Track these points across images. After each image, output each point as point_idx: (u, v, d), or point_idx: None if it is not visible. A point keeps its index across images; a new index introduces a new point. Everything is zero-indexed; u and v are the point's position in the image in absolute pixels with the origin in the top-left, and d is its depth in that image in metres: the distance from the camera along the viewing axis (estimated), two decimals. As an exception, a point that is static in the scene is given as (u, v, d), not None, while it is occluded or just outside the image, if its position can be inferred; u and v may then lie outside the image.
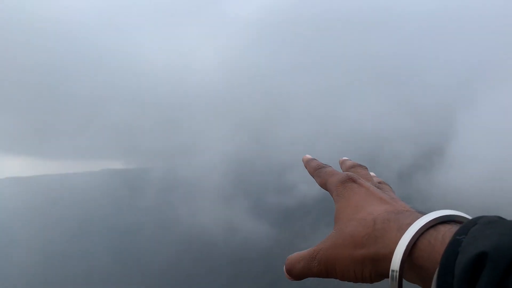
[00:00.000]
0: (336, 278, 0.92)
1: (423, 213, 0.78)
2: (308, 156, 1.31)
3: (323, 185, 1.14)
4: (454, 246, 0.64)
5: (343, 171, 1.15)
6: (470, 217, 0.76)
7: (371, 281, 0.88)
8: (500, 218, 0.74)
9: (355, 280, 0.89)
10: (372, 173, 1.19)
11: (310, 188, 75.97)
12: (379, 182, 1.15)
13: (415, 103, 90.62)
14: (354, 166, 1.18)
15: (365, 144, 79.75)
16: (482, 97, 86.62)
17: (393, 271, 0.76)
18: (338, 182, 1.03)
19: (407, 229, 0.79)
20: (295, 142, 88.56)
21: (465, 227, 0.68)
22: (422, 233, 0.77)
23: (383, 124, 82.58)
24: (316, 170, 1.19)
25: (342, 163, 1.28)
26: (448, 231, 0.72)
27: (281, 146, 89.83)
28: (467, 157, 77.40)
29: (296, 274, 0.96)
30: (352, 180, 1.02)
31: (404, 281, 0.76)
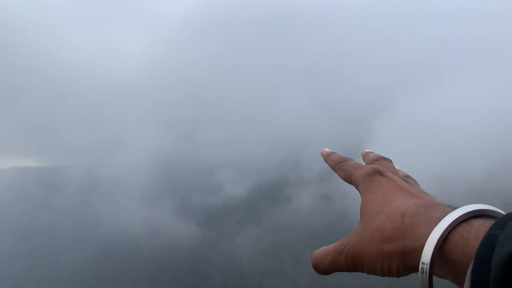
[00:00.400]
0: (363, 272, 0.91)
1: (454, 207, 0.78)
2: (327, 149, 1.28)
3: (347, 179, 1.12)
4: (490, 240, 0.62)
5: (367, 164, 1.14)
6: (503, 212, 0.76)
7: (398, 275, 0.87)
8: None
9: (382, 274, 0.89)
10: (397, 167, 1.16)
11: (236, 188, 76.66)
12: (406, 176, 1.13)
13: (337, 107, 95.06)
14: (378, 159, 1.17)
15: (289, 144, 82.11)
16: (398, 102, 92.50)
17: (423, 264, 0.75)
18: (364, 175, 1.02)
19: (437, 222, 0.78)
20: (223, 142, 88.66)
21: (501, 221, 0.66)
22: (454, 227, 0.76)
23: (307, 125, 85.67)
24: (338, 163, 1.18)
25: (365, 155, 1.26)
26: (482, 226, 0.71)
27: (209, 146, 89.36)
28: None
29: (323, 269, 0.96)
30: (379, 172, 1.01)
31: (434, 277, 0.76)
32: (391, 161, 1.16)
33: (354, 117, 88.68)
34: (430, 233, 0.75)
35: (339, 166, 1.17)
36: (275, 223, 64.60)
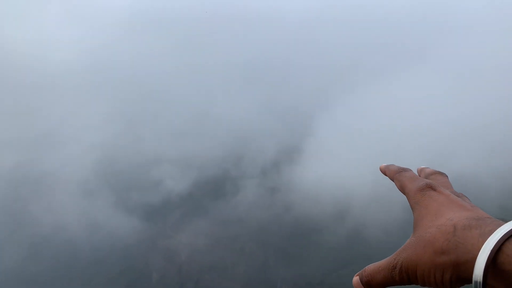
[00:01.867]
0: (417, 284, 0.96)
1: (505, 221, 0.80)
2: (384, 164, 1.35)
3: (401, 190, 1.18)
4: None
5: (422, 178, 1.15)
6: None
7: (451, 287, 0.90)
8: None
9: (435, 285, 0.93)
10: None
11: (176, 183, 75.79)
12: (459, 193, 1.16)
13: (278, 103, 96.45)
14: (434, 174, 1.20)
15: (232, 141, 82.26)
16: (337, 99, 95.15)
17: (476, 276, 0.78)
18: (417, 190, 1.08)
19: (490, 235, 0.81)
20: (163, 137, 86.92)
21: None
22: (507, 239, 0.80)
23: (248, 121, 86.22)
24: (396, 173, 1.24)
25: (420, 171, 1.28)
26: None
27: (149, 140, 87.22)
28: (322, 154, 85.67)
29: (377, 283, 1.00)
30: (431, 188, 1.06)
31: None
32: (447, 176, 1.19)
33: (295, 114, 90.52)
34: (483, 245, 0.79)
35: (397, 176, 1.23)
36: (216, 219, 64.81)
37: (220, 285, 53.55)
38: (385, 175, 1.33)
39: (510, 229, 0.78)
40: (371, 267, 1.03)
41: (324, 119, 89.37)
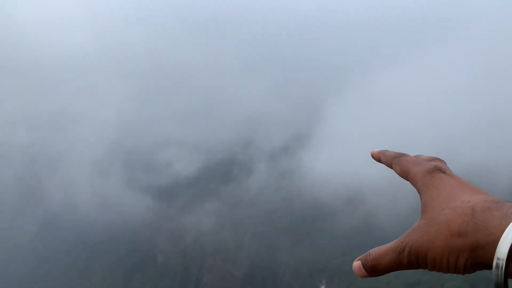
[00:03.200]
0: (426, 269, 0.90)
1: None
2: (376, 149, 1.29)
3: (403, 174, 1.11)
4: None
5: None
6: None
7: (464, 272, 0.85)
8: None
9: (447, 270, 0.87)
10: None
11: (184, 167, 76.00)
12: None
13: (288, 88, 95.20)
14: (432, 159, 1.14)
15: (241, 125, 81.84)
16: (350, 85, 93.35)
17: (498, 259, 0.74)
18: (425, 172, 1.01)
19: None
20: (178, 119, 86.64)
21: None
22: None
23: (259, 107, 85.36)
24: (394, 158, 1.17)
25: (416, 157, 1.22)
26: None
27: (158, 122, 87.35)
28: (333, 140, 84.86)
29: (383, 268, 0.93)
30: (440, 170, 1.01)
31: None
32: (445, 162, 1.15)
33: (305, 99, 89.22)
34: (506, 227, 0.74)
35: (396, 160, 1.15)
36: (223, 202, 64.96)
37: (223, 269, 54.21)
38: (379, 161, 1.27)
39: None
40: (376, 250, 0.95)
41: (336, 105, 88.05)
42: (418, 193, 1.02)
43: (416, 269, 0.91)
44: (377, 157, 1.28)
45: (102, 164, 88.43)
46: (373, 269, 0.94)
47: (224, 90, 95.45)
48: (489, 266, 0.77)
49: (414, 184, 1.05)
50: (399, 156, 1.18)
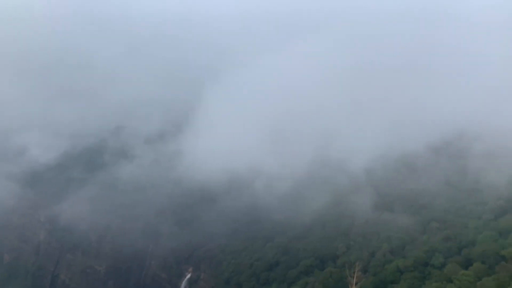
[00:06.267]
0: None
1: None
2: None
3: None
4: None
5: None
6: None
7: None
8: None
9: None
10: None
11: (43, 154, 68.76)
12: None
13: (166, 70, 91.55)
14: None
15: (112, 109, 76.54)
16: (227, 69, 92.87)
17: None
18: None
19: None
20: (28, 103, 77.23)
21: None
22: None
23: (133, 90, 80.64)
24: None
25: None
26: None
27: (12, 106, 77.34)
28: (213, 125, 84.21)
29: None
30: None
31: None
32: None
33: (182, 82, 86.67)
34: None
35: None
36: (86, 192, 60.17)
37: (83, 264, 50.54)
38: None
39: None
40: None
41: (214, 90, 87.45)
42: None
43: None
44: None
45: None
46: None
47: (96, 71, 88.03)
48: None
49: None
50: None
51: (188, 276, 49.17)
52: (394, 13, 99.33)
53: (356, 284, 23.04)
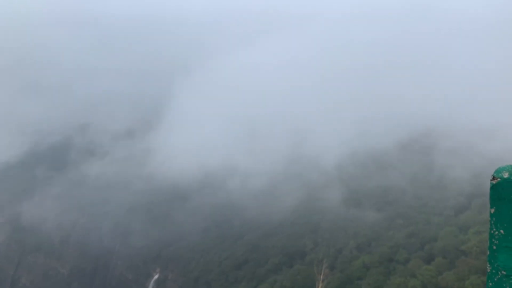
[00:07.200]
0: None
1: None
2: None
3: None
4: None
5: None
6: None
7: None
8: None
9: None
10: None
11: (4, 152, 65.94)
12: None
13: (135, 69, 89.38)
14: None
15: (77, 106, 74.24)
16: (197, 66, 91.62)
17: None
18: None
19: None
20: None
21: None
22: None
23: (100, 86, 78.28)
24: None
25: None
26: None
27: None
28: (183, 121, 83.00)
29: None
30: None
31: None
32: None
33: (153, 77, 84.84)
34: None
35: None
36: (53, 191, 58.01)
37: (46, 266, 48.72)
38: None
39: None
40: None
41: (185, 85, 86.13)
42: None
43: None
44: None
45: None
46: None
47: (61, 66, 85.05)
48: None
49: None
50: None
51: (156, 276, 48.14)
52: (363, 10, 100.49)
53: (323, 281, 22.99)
